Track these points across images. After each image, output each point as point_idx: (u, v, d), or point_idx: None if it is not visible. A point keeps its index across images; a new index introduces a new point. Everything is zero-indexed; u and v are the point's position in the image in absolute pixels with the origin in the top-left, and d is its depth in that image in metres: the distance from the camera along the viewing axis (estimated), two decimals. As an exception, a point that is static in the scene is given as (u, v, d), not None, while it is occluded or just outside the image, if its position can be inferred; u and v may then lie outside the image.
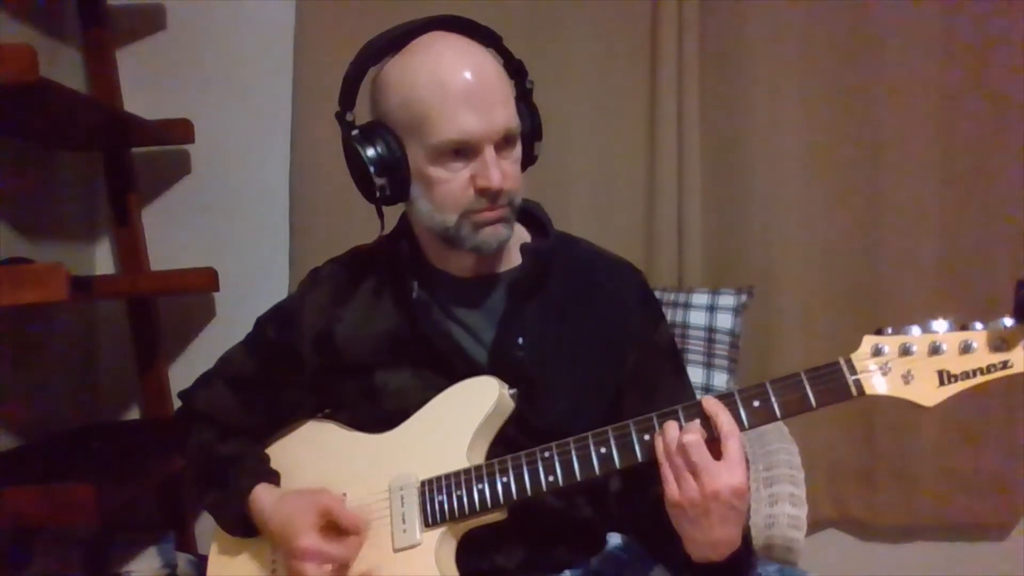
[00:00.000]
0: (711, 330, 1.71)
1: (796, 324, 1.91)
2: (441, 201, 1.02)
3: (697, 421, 0.93)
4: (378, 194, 1.03)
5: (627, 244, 1.90)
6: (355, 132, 1.03)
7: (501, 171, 1.00)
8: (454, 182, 1.01)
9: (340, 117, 1.06)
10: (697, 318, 1.72)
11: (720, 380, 1.69)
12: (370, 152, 1.02)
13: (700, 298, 1.74)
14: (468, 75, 0.99)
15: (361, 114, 1.07)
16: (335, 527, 1.04)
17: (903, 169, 1.89)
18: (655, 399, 1.06)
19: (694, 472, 0.90)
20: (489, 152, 0.99)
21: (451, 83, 0.98)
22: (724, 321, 1.71)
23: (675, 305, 1.74)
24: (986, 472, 1.91)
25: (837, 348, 1.86)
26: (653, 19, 1.90)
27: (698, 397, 1.62)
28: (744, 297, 1.74)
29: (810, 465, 1.52)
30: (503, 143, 1.01)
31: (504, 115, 1.01)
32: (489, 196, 1.01)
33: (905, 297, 1.90)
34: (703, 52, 1.90)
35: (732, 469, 0.89)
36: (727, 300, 1.73)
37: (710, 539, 0.92)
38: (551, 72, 1.84)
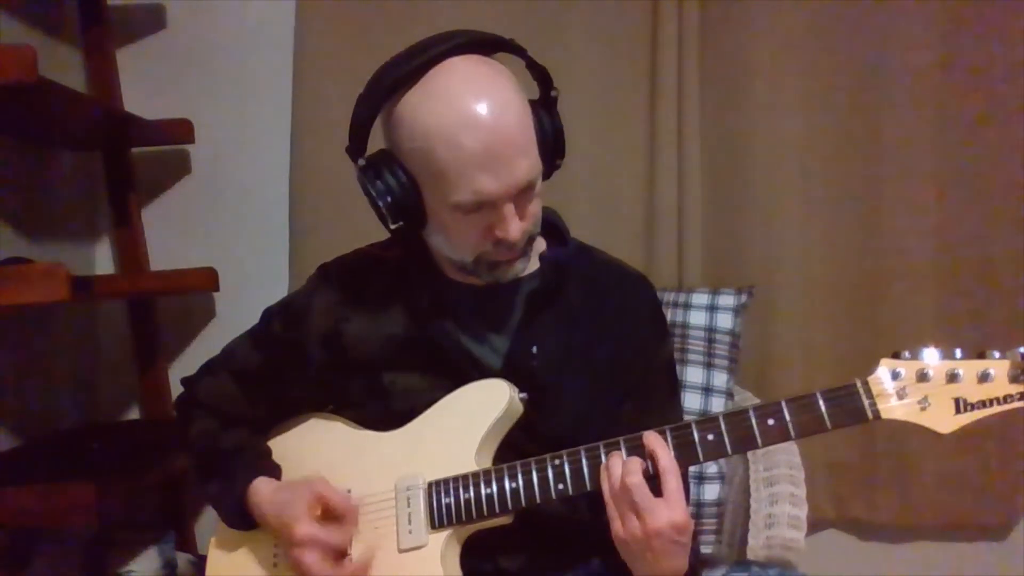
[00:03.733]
0: (711, 330, 1.71)
1: (796, 324, 1.90)
2: (458, 244, 1.02)
3: (637, 459, 0.94)
4: (395, 228, 1.01)
5: (627, 244, 1.90)
6: (368, 171, 0.99)
7: (520, 219, 0.98)
8: (472, 231, 0.99)
9: (351, 156, 1.02)
10: (697, 318, 1.72)
11: (720, 380, 1.69)
12: (381, 191, 0.99)
13: (700, 298, 1.74)
14: (486, 131, 0.93)
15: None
16: (331, 513, 1.04)
17: (903, 168, 1.89)
18: (649, 414, 1.07)
19: (636, 511, 0.92)
20: (508, 208, 0.97)
21: (468, 143, 0.93)
22: (724, 321, 1.71)
23: (675, 305, 1.74)
24: (986, 472, 1.90)
25: (837, 348, 1.90)
26: (653, 20, 1.89)
27: (698, 397, 1.67)
28: (744, 297, 1.74)
29: (810, 465, 1.52)
30: (523, 192, 0.98)
31: (524, 168, 0.96)
32: (506, 245, 1.00)
33: (905, 297, 1.89)
34: (703, 53, 1.90)
35: (672, 506, 0.91)
36: (727, 300, 1.73)
37: (653, 572, 0.94)
38: (551, 73, 1.84)
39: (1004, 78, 1.86)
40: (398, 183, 0.98)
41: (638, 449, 0.96)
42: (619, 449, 0.97)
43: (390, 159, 0.99)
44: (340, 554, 1.03)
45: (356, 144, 1.01)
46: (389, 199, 0.98)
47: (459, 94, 0.94)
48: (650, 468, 0.94)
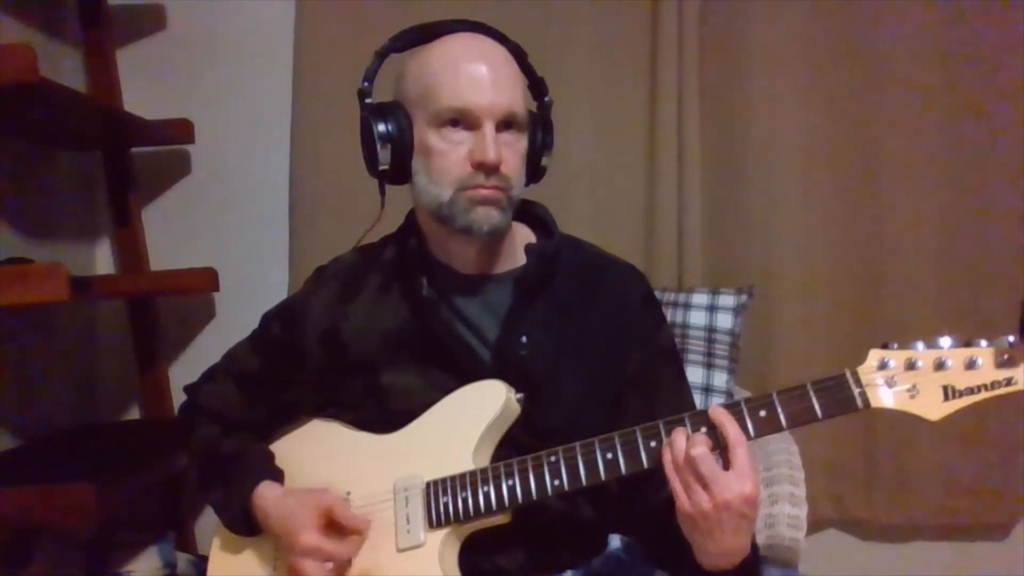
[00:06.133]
0: (711, 330, 1.71)
1: (796, 324, 1.90)
2: (438, 173, 1.03)
3: (703, 431, 0.93)
4: (382, 167, 1.05)
5: (627, 244, 1.90)
6: (374, 107, 1.06)
7: (499, 151, 1.01)
8: (452, 154, 1.02)
9: (362, 93, 1.08)
10: (697, 318, 1.72)
11: (720, 380, 1.69)
12: (377, 122, 1.04)
13: (700, 298, 1.74)
14: (480, 57, 1.03)
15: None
16: (336, 526, 1.04)
17: (904, 168, 1.89)
18: (656, 402, 1.08)
19: (704, 484, 0.90)
20: (488, 127, 1.01)
21: (462, 59, 1.02)
22: (724, 321, 1.71)
23: (675, 305, 1.74)
24: (986, 472, 1.90)
25: (837, 348, 1.90)
26: (653, 19, 1.90)
27: (698, 397, 1.66)
28: (744, 297, 1.74)
29: (810, 465, 1.52)
30: (504, 127, 1.03)
31: (508, 97, 1.03)
32: (485, 171, 1.01)
33: (905, 297, 1.89)
34: (703, 53, 1.90)
35: (742, 478, 0.90)
36: (727, 300, 1.73)
37: (722, 548, 0.92)
38: (551, 72, 1.81)
39: (1005, 74, 1.85)
40: (394, 117, 1.05)
41: (702, 425, 0.94)
42: (684, 425, 0.95)
43: (391, 102, 1.07)
44: (341, 567, 1.03)
45: (369, 74, 1.08)
46: (383, 131, 1.04)
47: (462, 38, 1.06)
48: (716, 443, 0.92)
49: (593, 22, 1.92)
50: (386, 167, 1.05)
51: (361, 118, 1.06)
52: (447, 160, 1.03)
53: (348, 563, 1.04)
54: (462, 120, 1.02)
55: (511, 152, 1.04)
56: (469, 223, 1.03)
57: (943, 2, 1.86)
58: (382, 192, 1.10)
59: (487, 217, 1.03)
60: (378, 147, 1.04)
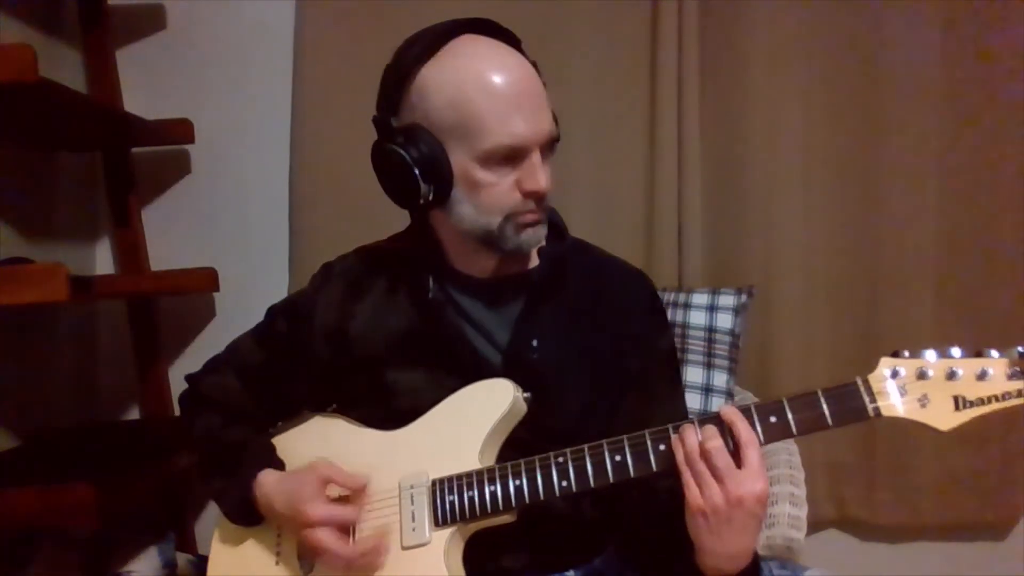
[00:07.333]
0: (711, 330, 1.71)
1: (796, 324, 1.91)
2: (487, 204, 1.02)
3: (714, 427, 0.92)
4: (422, 201, 1.02)
5: (627, 244, 1.91)
6: (399, 137, 1.01)
7: (547, 178, 1.01)
8: (501, 185, 1.01)
9: (381, 121, 1.04)
10: (697, 318, 1.72)
11: (720, 380, 1.69)
12: (414, 156, 1.00)
13: (700, 298, 1.74)
14: (514, 78, 0.99)
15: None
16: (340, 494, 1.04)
17: (904, 168, 1.89)
18: (651, 405, 1.08)
19: (718, 478, 0.90)
20: (536, 156, 1.00)
21: (500, 86, 0.98)
22: (724, 321, 1.71)
23: (675, 305, 1.74)
24: (986, 472, 1.91)
25: (837, 348, 1.91)
26: (653, 20, 1.90)
27: (698, 397, 1.67)
28: (744, 297, 1.74)
29: (810, 465, 1.53)
30: (546, 148, 1.03)
31: (548, 119, 1.02)
32: (535, 199, 1.02)
33: (905, 297, 1.90)
34: (703, 53, 1.90)
35: (755, 476, 0.89)
36: (727, 300, 1.73)
37: (728, 550, 0.92)
38: (551, 72, 1.82)
39: (1006, 72, 1.86)
40: (427, 145, 1.00)
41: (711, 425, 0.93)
42: (669, 435, 0.95)
43: (415, 126, 1.01)
44: (352, 530, 1.03)
45: (388, 105, 1.03)
46: (420, 162, 1.00)
47: (483, 53, 1.00)
48: (727, 443, 0.91)
49: (593, 22, 1.92)
50: (427, 200, 1.02)
51: (386, 149, 1.02)
52: (496, 192, 1.01)
53: (355, 524, 1.04)
54: (513, 155, 1.00)
55: (548, 168, 1.04)
56: (519, 245, 1.04)
57: (944, 3, 1.86)
58: (415, 220, 1.10)
59: (535, 236, 1.05)
60: (420, 182, 1.00)
